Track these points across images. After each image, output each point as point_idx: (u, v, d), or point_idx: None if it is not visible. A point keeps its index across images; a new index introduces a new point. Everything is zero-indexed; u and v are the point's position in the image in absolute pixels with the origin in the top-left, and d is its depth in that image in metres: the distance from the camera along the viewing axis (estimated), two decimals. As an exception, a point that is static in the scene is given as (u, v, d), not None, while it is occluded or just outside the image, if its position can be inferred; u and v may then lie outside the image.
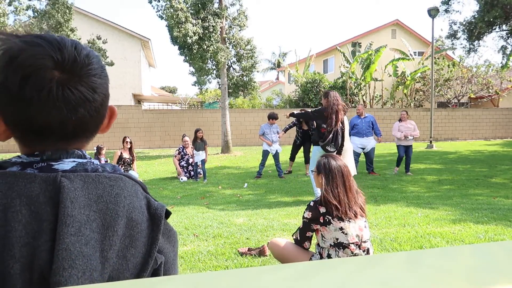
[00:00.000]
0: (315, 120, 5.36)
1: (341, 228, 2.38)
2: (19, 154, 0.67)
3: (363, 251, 2.43)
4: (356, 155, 7.89)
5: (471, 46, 16.50)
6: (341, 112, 5.19)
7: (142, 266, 0.65)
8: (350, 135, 7.55)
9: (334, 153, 5.33)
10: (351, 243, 2.38)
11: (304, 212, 2.51)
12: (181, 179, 8.46)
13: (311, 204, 2.50)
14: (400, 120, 8.39)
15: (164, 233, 0.73)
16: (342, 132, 5.28)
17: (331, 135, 5.16)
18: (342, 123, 5.32)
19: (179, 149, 8.89)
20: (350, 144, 5.70)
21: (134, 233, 0.65)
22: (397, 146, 8.48)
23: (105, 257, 0.60)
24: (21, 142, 0.67)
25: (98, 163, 0.69)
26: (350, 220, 2.41)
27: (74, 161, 0.66)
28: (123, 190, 0.66)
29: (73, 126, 0.64)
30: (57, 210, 0.58)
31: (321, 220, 2.41)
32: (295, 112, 5.97)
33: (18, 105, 0.60)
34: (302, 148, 8.72)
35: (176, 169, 8.72)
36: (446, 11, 16.09)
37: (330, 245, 2.41)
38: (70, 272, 0.55)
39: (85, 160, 0.68)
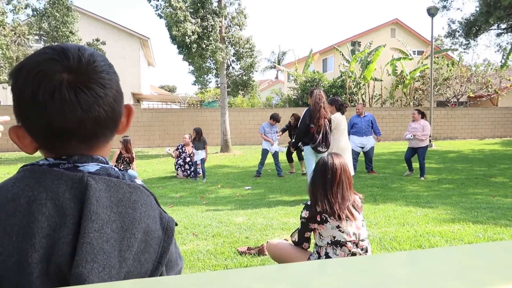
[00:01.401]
0: (309, 121, 5.26)
1: (338, 226, 2.38)
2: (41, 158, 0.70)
3: (361, 249, 2.43)
4: (356, 154, 7.89)
5: (468, 43, 16.53)
6: (324, 109, 5.16)
7: (152, 272, 0.67)
8: (349, 134, 7.54)
9: (325, 153, 5.32)
10: (348, 241, 2.38)
11: (302, 211, 2.51)
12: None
13: (308, 203, 2.50)
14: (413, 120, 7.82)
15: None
16: (330, 130, 5.28)
17: (320, 136, 5.14)
18: (329, 120, 5.29)
19: (178, 146, 8.97)
20: (349, 143, 5.69)
21: (149, 239, 0.67)
22: None
23: (123, 257, 0.62)
24: (47, 150, 0.69)
25: (119, 171, 0.72)
26: (347, 219, 2.39)
27: (98, 165, 0.69)
28: (140, 198, 0.69)
29: (91, 125, 0.65)
30: (81, 207, 0.61)
31: (318, 219, 2.41)
32: (297, 137, 5.46)
33: (35, 112, 0.63)
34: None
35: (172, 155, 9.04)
36: (445, 7, 16.06)
37: (328, 243, 2.41)
38: (92, 266, 0.58)
39: (107, 166, 0.71)
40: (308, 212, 2.46)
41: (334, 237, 2.38)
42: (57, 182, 0.63)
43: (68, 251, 0.59)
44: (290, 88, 20.67)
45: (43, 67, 0.63)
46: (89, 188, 0.63)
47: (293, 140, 8.39)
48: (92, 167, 0.68)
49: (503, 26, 15.81)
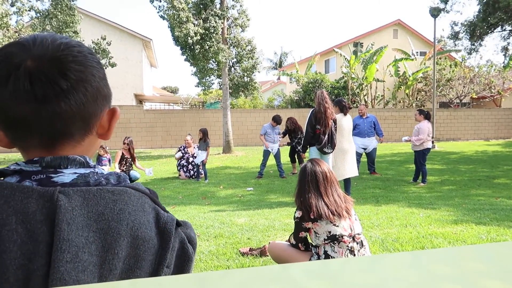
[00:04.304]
0: (315, 123, 5.25)
1: (331, 221, 2.43)
2: (17, 161, 0.63)
3: (357, 243, 2.45)
4: (358, 155, 7.87)
5: (473, 46, 16.51)
6: (329, 110, 5.14)
7: None
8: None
9: (331, 154, 5.31)
10: (344, 235, 2.41)
11: (295, 212, 2.56)
12: (176, 155, 8.89)
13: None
14: None
15: (182, 225, 0.71)
16: (335, 130, 5.26)
17: (326, 137, 5.12)
18: (334, 121, 5.27)
19: (181, 147, 9.04)
20: (353, 145, 5.65)
21: (140, 252, 0.60)
22: None
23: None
24: (17, 145, 0.63)
25: (103, 172, 0.64)
26: (341, 215, 2.45)
27: (75, 173, 0.61)
28: (128, 205, 0.60)
29: (50, 119, 0.58)
30: (54, 230, 0.54)
31: (312, 216, 2.45)
32: (305, 139, 5.31)
33: None
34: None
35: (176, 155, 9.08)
36: (446, 11, 16.07)
37: (324, 239, 2.43)
38: None
39: (88, 171, 0.62)
40: (301, 211, 2.50)
41: (330, 232, 2.42)
42: (26, 201, 0.54)
43: (45, 285, 0.52)
44: (293, 92, 20.63)
45: (6, 50, 0.58)
46: (59, 210, 0.54)
47: (295, 141, 8.53)
48: (67, 176, 0.60)
49: (508, 28, 15.77)
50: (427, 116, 7.07)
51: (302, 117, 8.51)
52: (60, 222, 0.53)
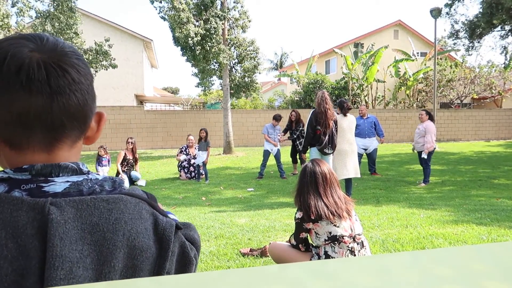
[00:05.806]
0: (315, 123, 5.24)
1: (331, 222, 2.43)
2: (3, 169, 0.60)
3: (358, 244, 2.45)
4: (359, 156, 7.85)
5: (472, 44, 16.52)
6: (330, 111, 5.12)
7: None
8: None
9: (331, 155, 5.31)
10: (345, 236, 2.41)
11: (296, 213, 2.55)
12: (181, 157, 8.76)
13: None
14: None
15: (185, 227, 0.71)
16: (336, 131, 5.26)
17: (326, 137, 5.12)
18: (335, 122, 5.27)
19: (182, 148, 8.98)
20: (354, 146, 5.63)
21: (137, 263, 0.58)
22: None
23: None
24: (6, 144, 0.59)
25: (98, 178, 0.62)
26: (342, 216, 2.45)
27: (67, 181, 0.58)
28: (124, 214, 0.58)
29: (59, 111, 0.57)
30: (46, 245, 0.51)
31: (312, 217, 2.44)
32: (306, 140, 5.31)
33: None
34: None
35: (177, 155, 8.97)
36: (448, 14, 16.10)
37: (325, 240, 2.43)
38: None
39: (80, 178, 0.59)
40: (301, 212, 2.50)
41: (330, 233, 2.42)
42: (16, 214, 0.52)
43: None
44: (293, 92, 20.62)
45: (12, 42, 0.56)
46: (51, 224, 0.51)
47: (296, 134, 8.52)
48: (58, 185, 0.57)
49: (507, 27, 15.79)
50: (431, 117, 7.06)
51: (303, 117, 8.49)
52: (52, 238, 0.51)
